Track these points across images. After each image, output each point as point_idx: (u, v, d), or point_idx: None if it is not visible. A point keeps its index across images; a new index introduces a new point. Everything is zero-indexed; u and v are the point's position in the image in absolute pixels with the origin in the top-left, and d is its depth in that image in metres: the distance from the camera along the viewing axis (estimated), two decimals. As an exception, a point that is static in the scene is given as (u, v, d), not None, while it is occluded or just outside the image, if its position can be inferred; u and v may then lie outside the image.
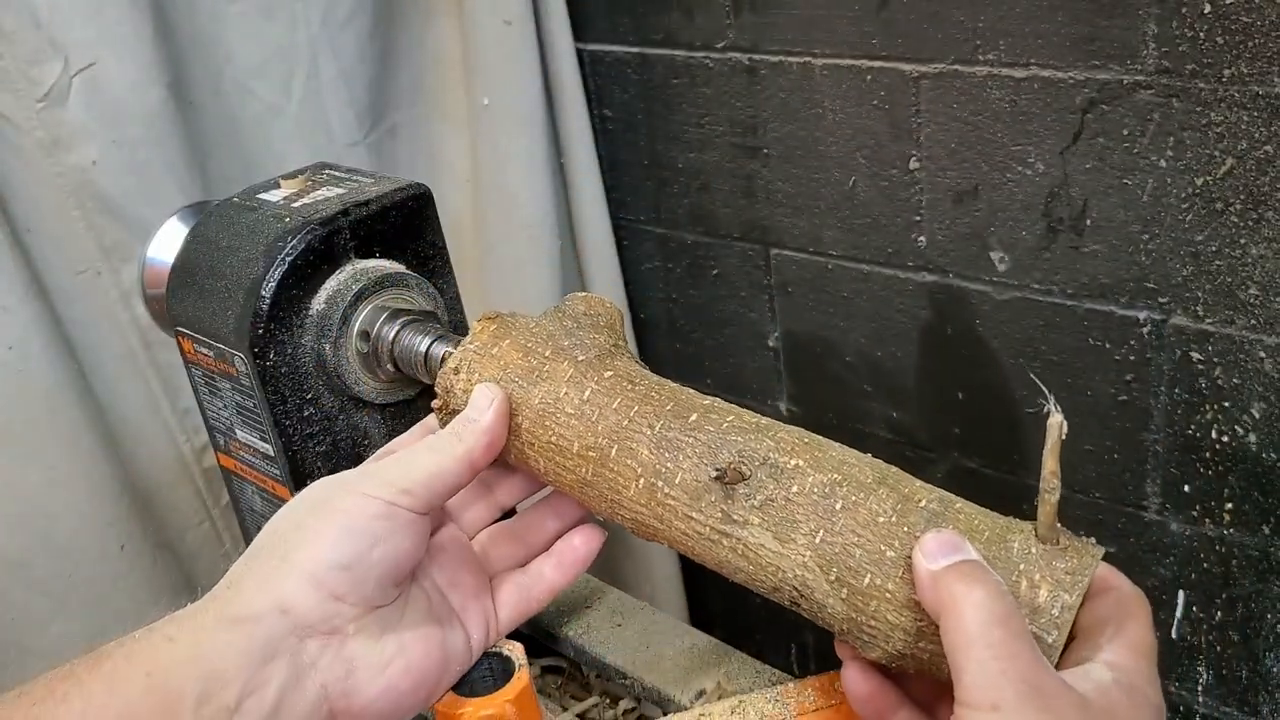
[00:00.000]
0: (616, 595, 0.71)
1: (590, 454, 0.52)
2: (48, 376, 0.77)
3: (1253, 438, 0.74)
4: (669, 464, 0.50)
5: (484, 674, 0.55)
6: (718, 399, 0.53)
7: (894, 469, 0.49)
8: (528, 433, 0.54)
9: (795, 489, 0.48)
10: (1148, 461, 0.81)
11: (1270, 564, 0.77)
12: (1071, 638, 0.44)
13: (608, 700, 0.69)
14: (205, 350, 0.66)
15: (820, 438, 0.50)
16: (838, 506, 0.47)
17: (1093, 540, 0.45)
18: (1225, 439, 0.76)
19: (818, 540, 0.47)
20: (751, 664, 0.64)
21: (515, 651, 0.56)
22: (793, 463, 0.48)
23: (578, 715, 0.68)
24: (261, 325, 0.61)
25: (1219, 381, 0.74)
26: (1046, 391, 0.46)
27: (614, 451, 0.52)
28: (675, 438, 0.50)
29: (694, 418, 0.51)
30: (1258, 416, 0.74)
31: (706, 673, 0.64)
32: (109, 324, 0.83)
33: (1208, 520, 0.79)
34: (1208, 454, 0.77)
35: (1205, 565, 0.81)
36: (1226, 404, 0.75)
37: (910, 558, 0.44)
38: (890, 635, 0.45)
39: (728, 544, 0.49)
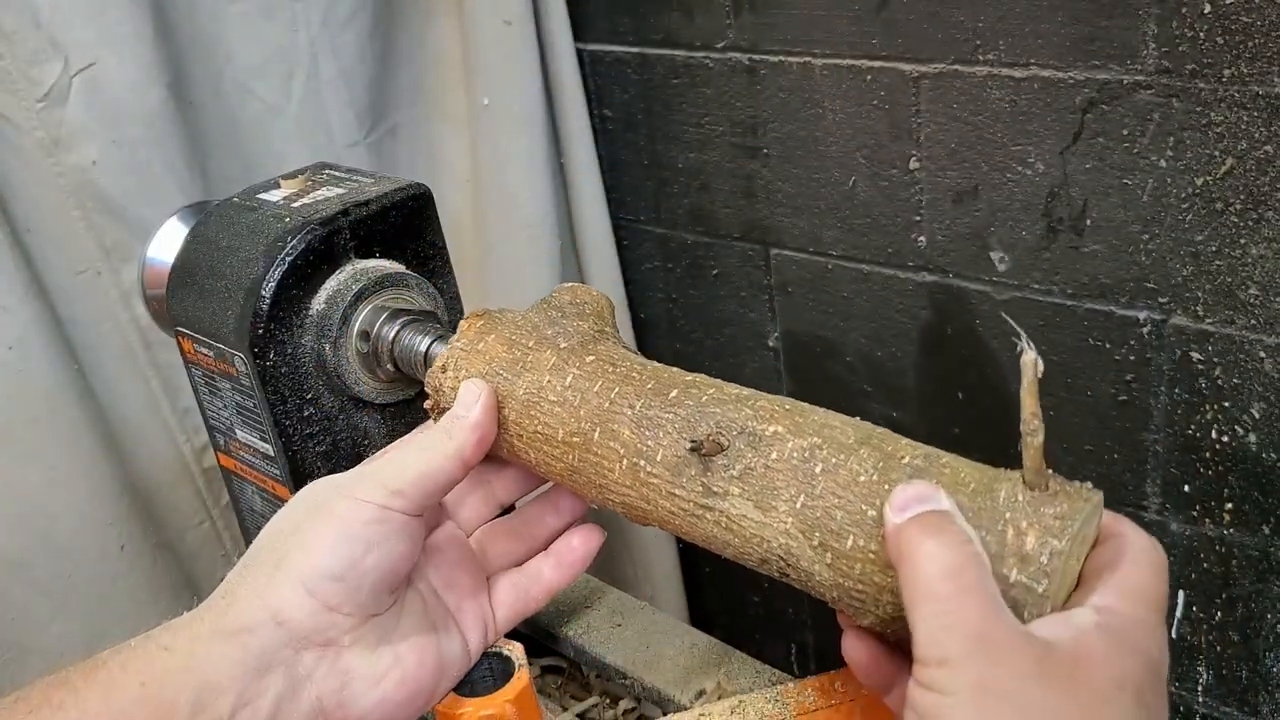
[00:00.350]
0: (616, 595, 0.71)
1: (575, 440, 0.52)
2: (48, 376, 0.77)
3: (1253, 438, 0.74)
4: (650, 442, 0.49)
5: (484, 674, 0.55)
6: (701, 374, 0.52)
7: (880, 429, 0.47)
8: (515, 425, 0.54)
9: (774, 455, 0.46)
10: (1148, 461, 0.81)
11: (1270, 564, 0.77)
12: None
13: (608, 700, 0.69)
14: (205, 350, 0.66)
15: (804, 404, 0.49)
16: (818, 470, 0.45)
17: (1089, 485, 0.42)
18: (1225, 439, 0.76)
19: (799, 506, 0.45)
20: (751, 664, 0.64)
21: (515, 651, 0.56)
22: (771, 429, 0.47)
23: (578, 715, 0.68)
24: (261, 325, 0.61)
25: (1219, 381, 0.74)
26: (1019, 330, 0.44)
27: (596, 434, 0.51)
28: (655, 415, 0.50)
29: (674, 394, 0.50)
30: (1258, 416, 0.74)
31: (706, 673, 0.64)
32: (109, 324, 0.83)
33: (1208, 520, 0.79)
34: (1208, 454, 0.77)
35: (1205, 565, 0.81)
36: (1226, 404, 0.75)
37: None
38: (879, 599, 0.44)
39: (711, 518, 0.48)
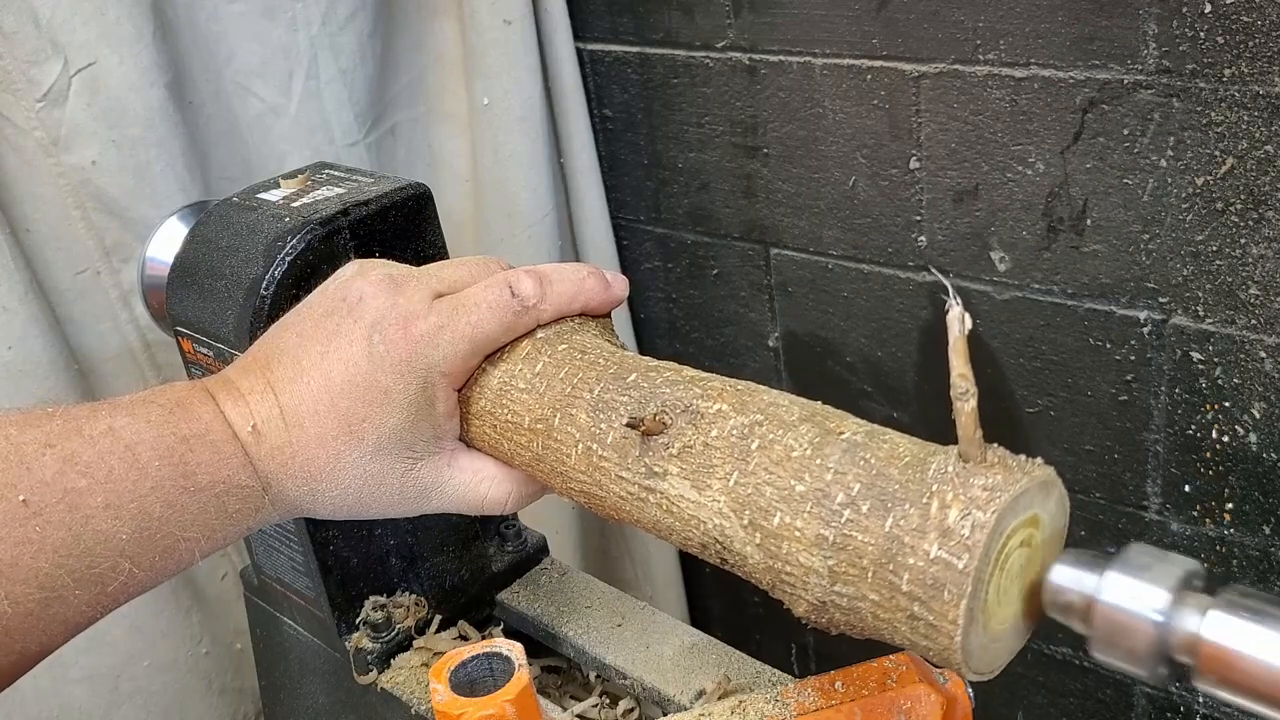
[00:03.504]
0: (616, 595, 0.71)
1: (539, 426, 0.51)
2: (48, 376, 0.77)
3: (1253, 438, 0.74)
4: (602, 425, 0.49)
5: (484, 674, 0.55)
6: (672, 361, 0.51)
7: (833, 409, 0.45)
8: (490, 414, 0.54)
9: (714, 433, 0.45)
10: (1148, 461, 0.81)
11: (1270, 564, 0.77)
12: None
13: (608, 700, 0.69)
14: (205, 350, 0.66)
15: (759, 385, 0.48)
16: (753, 446, 0.43)
17: (1038, 460, 0.40)
18: (1225, 439, 0.76)
19: (731, 483, 0.44)
20: (751, 664, 0.64)
21: (515, 651, 0.56)
22: (715, 408, 0.46)
23: (578, 715, 0.68)
24: (261, 325, 0.61)
25: (1219, 381, 0.74)
26: (947, 284, 0.43)
27: (557, 420, 0.50)
28: (611, 398, 0.49)
29: (633, 377, 0.49)
30: (1258, 416, 0.74)
31: (706, 673, 0.64)
32: (109, 324, 0.83)
33: (1208, 520, 0.79)
34: (1208, 454, 0.77)
35: (1205, 565, 0.81)
36: (1227, 404, 0.75)
37: (821, 490, 0.41)
38: (806, 581, 0.42)
39: (654, 500, 0.47)
